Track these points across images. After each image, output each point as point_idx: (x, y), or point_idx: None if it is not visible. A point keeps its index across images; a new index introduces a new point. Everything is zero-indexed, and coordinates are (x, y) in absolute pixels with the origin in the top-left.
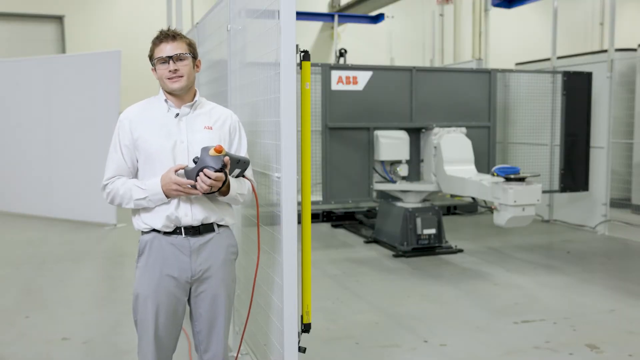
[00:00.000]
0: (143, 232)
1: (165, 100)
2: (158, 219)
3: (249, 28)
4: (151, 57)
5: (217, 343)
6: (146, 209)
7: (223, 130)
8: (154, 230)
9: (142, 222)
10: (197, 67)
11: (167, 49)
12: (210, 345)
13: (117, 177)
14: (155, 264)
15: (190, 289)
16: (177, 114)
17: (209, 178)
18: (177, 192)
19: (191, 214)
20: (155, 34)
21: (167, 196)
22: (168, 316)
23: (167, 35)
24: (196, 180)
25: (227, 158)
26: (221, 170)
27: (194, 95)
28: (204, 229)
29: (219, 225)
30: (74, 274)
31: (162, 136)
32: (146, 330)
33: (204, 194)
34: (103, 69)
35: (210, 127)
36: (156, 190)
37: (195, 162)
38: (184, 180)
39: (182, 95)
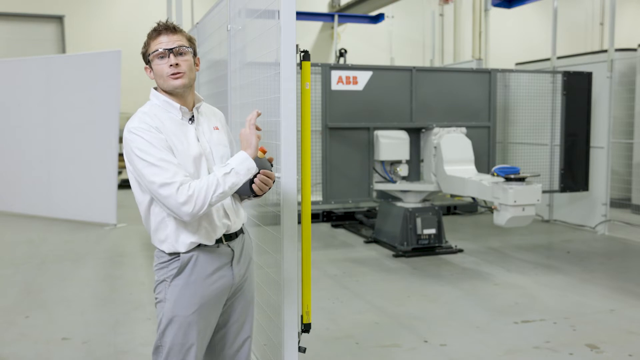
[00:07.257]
0: (183, 252)
1: (180, 108)
2: (216, 229)
3: (249, 28)
4: (145, 54)
5: (248, 345)
6: (189, 225)
7: (226, 129)
8: (198, 245)
9: (186, 239)
10: (197, 65)
11: (166, 41)
12: (244, 345)
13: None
14: (198, 282)
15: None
16: (192, 117)
17: (269, 178)
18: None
19: (235, 217)
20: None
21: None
22: (206, 339)
23: (166, 27)
24: (253, 182)
25: (271, 157)
26: None
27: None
28: (239, 231)
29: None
30: (74, 274)
31: (189, 147)
32: (183, 358)
33: (250, 196)
34: (103, 69)
35: (217, 127)
36: (242, 157)
37: None
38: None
39: (185, 96)
